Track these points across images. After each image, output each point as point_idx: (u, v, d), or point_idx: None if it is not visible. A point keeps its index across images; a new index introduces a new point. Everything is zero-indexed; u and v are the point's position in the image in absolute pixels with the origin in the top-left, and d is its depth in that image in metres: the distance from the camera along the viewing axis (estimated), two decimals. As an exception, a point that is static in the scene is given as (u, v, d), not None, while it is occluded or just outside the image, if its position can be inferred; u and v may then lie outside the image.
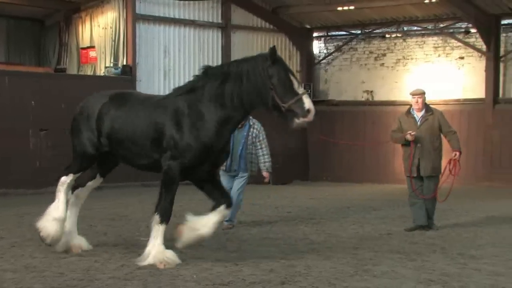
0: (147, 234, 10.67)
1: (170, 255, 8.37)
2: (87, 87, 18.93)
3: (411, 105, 11.61)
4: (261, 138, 11.42)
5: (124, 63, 19.85)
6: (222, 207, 8.60)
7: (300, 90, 8.16)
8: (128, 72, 19.71)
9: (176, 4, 21.16)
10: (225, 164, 10.83)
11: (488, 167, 20.52)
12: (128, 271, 8.01)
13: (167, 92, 20.53)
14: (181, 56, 21.30)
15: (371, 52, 23.09)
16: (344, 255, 9.18)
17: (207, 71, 8.63)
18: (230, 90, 8.31)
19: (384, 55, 22.85)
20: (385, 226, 11.99)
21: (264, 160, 11.41)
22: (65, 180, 9.14)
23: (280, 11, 23.28)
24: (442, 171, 11.44)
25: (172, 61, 21.07)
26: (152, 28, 20.66)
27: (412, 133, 11.16)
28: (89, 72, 20.83)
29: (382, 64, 22.81)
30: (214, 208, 8.63)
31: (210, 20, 21.99)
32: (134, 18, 19.92)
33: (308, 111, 8.06)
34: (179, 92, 8.69)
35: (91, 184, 9.42)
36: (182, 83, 22.03)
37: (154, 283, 7.51)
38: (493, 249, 9.74)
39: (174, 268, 8.19)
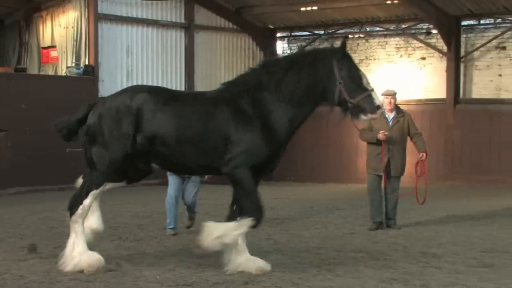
0: (111, 235, 10.62)
1: (262, 263, 8.01)
2: (48, 87, 18.78)
3: None
4: None
5: (86, 63, 19.67)
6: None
7: (369, 86, 7.93)
8: (90, 72, 19.54)
9: (139, 4, 21.03)
10: None
11: (449, 166, 20.77)
12: (90, 273, 7.92)
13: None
14: (144, 56, 21.19)
15: (334, 53, 23.17)
16: (307, 254, 9.21)
17: (266, 64, 8.11)
18: (296, 84, 7.85)
19: (347, 55, 22.95)
20: (348, 225, 12.05)
21: None
22: (86, 203, 8.10)
23: (243, 11, 23.27)
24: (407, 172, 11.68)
25: (135, 61, 20.95)
26: (114, 27, 20.50)
27: (385, 133, 11.30)
28: (50, 72, 20.59)
29: (345, 65, 22.89)
30: (231, 217, 8.15)
31: (173, 20, 21.91)
32: (96, 17, 19.75)
33: (378, 107, 7.91)
34: (236, 88, 8.02)
35: (110, 185, 8.41)
36: (145, 83, 22.21)
37: (117, 284, 7.44)
38: (454, 247, 9.85)
39: (137, 269, 8.14)
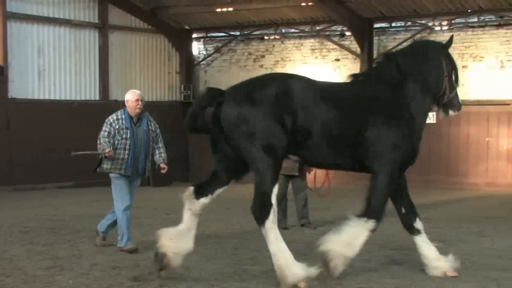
0: (21, 239, 10.31)
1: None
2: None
3: None
4: (158, 132, 9.86)
5: (-5, 63, 19.08)
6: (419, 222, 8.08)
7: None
8: (-1, 72, 18.98)
9: (50, 3, 20.53)
10: (120, 166, 9.45)
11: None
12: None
13: (41, 94, 20.24)
14: (57, 56, 20.69)
15: (250, 54, 23.31)
16: (224, 255, 9.20)
17: (391, 57, 8.00)
18: (427, 76, 7.84)
19: (263, 56, 23.12)
20: (264, 225, 12.07)
21: (161, 152, 9.80)
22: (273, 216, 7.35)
23: (158, 12, 23.08)
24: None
25: (47, 61, 20.42)
26: (24, 27, 19.94)
27: None
28: (-44, 72, 19.87)
29: (261, 66, 23.06)
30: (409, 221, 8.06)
31: (87, 20, 21.50)
32: (5, 16, 19.17)
33: (461, 104, 8.14)
34: (377, 81, 7.83)
35: (219, 192, 7.95)
36: (58, 84, 21.70)
37: (27, 290, 7.25)
38: (367, 246, 9.95)
39: (49, 274, 7.93)
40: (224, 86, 8.05)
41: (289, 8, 21.57)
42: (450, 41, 8.15)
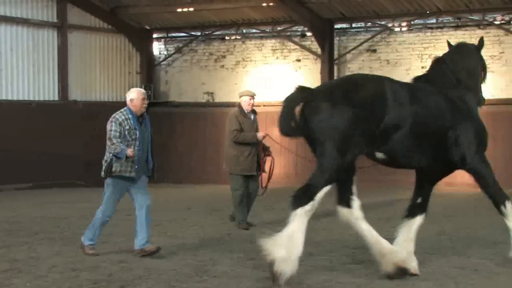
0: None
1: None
2: None
3: (239, 106, 11.88)
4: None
5: (-51, 62, 18.73)
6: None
7: None
8: (-46, 73, 18.63)
9: (7, 1, 20.20)
10: (129, 168, 9.15)
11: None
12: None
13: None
14: (14, 56, 20.36)
15: (211, 54, 23.25)
16: (184, 256, 9.16)
17: (444, 61, 8.34)
18: (473, 76, 8.36)
19: (224, 57, 23.09)
20: (225, 226, 12.07)
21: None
22: (311, 206, 7.46)
23: (118, 12, 22.89)
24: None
25: (3, 61, 20.09)
26: (-20, 26, 19.63)
27: (267, 133, 11.81)
28: None
29: (222, 66, 23.03)
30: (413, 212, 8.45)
31: (45, 19, 21.21)
32: (-39, 15, 18.85)
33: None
34: (441, 81, 8.17)
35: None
36: (15, 84, 21.33)
37: (-17, 294, 7.12)
38: (329, 245, 10.07)
39: (6, 277, 7.80)
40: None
41: (250, 8, 21.57)
42: (482, 43, 8.64)
